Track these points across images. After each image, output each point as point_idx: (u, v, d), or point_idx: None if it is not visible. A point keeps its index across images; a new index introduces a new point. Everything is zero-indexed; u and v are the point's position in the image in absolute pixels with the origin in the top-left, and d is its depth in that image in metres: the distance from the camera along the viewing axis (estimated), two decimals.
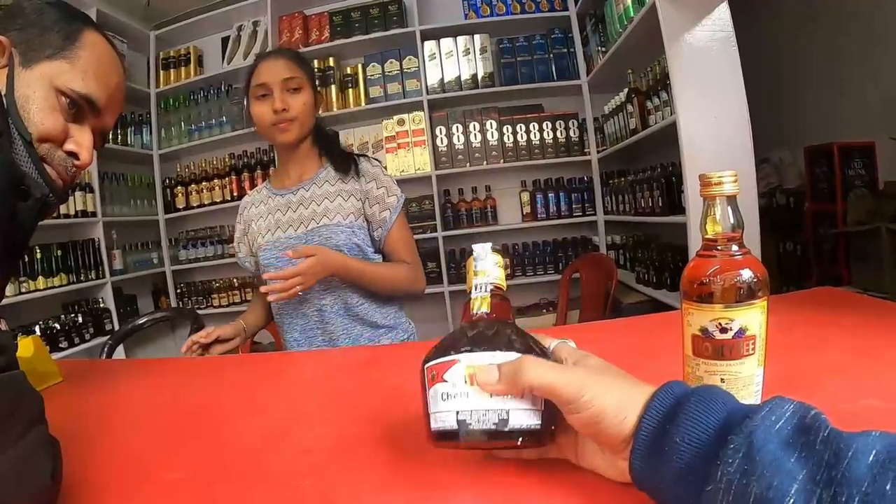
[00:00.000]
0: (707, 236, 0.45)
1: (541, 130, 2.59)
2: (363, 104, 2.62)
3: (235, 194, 2.79)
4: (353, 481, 0.42)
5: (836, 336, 0.69)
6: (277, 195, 1.27)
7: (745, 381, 0.43)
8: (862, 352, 0.62)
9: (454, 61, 2.62)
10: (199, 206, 2.88)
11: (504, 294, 0.44)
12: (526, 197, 2.63)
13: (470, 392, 0.37)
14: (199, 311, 2.60)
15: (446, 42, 2.61)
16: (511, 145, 2.60)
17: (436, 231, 2.55)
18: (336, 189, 1.24)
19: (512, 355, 0.37)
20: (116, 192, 2.72)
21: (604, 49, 2.35)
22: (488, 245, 0.45)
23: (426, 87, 2.61)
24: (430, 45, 2.61)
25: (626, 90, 2.18)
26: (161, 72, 2.92)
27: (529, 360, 0.35)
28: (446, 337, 0.41)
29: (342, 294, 1.23)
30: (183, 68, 2.92)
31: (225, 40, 2.92)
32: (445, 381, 0.39)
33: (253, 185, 2.70)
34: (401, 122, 2.61)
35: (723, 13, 1.71)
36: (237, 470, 0.47)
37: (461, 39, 2.61)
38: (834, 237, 2.58)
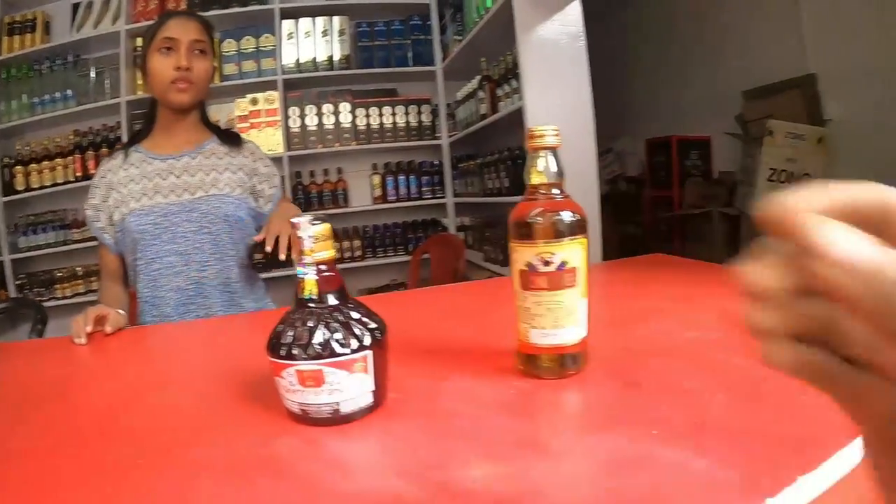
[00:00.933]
0: (531, 183, 0.59)
1: (394, 114, 3.12)
2: (217, 81, 3.02)
3: (79, 175, 3.06)
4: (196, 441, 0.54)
5: (662, 288, 1.03)
6: (156, 159, 1.39)
7: (568, 309, 0.58)
8: (682, 298, 0.92)
9: (311, 42, 3.10)
10: (40, 188, 3.12)
11: (330, 266, 0.55)
12: (377, 180, 3.16)
13: (304, 391, 0.52)
14: (43, 303, 2.84)
15: (305, 22, 3.08)
16: (364, 128, 3.11)
17: None
18: (225, 162, 1.43)
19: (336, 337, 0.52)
20: None
21: (460, 38, 2.87)
22: (307, 217, 0.54)
23: (282, 66, 3.06)
24: (288, 24, 3.08)
25: (478, 77, 2.69)
26: (4, 38, 3.18)
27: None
28: (281, 323, 0.55)
29: (226, 268, 1.40)
30: (28, 35, 3.17)
31: (76, 7, 3.19)
32: (283, 378, 0.53)
33: (98, 165, 2.97)
34: (254, 102, 3.06)
35: (574, 9, 2.13)
36: (88, 433, 0.59)
37: (320, 20, 3.09)
38: (670, 220, 3.18)
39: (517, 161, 2.40)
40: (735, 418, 0.51)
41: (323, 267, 0.56)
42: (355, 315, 0.56)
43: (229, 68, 3.09)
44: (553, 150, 0.61)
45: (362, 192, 3.24)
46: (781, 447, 0.45)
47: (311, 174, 3.16)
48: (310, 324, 0.54)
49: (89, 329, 1.06)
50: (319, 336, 0.53)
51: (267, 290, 1.50)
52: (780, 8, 2.92)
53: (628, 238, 3.66)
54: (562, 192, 0.61)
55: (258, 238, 1.23)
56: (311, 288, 0.56)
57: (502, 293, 0.71)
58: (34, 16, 3.17)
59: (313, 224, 0.55)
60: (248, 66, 3.09)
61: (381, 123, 3.12)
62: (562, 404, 0.60)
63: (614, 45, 4.06)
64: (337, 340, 0.53)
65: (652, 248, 3.24)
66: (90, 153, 3.11)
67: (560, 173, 0.61)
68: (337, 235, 3.16)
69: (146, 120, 1.50)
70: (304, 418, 0.55)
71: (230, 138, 1.49)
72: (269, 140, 3.03)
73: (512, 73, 2.28)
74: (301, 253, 0.55)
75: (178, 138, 1.43)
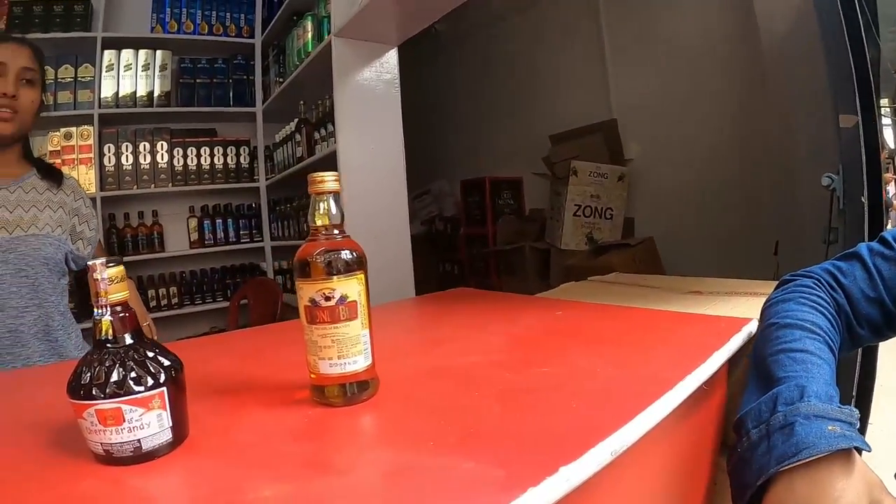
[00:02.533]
0: (314, 225, 0.87)
1: (212, 155, 4.26)
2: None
3: None
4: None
5: (459, 318, 1.52)
6: None
7: (352, 340, 0.85)
8: (475, 326, 1.37)
9: (132, 75, 4.11)
10: None
11: (125, 307, 0.74)
12: (194, 223, 4.29)
13: (105, 430, 0.69)
14: None
15: (127, 53, 4.09)
16: (181, 169, 4.19)
17: None
18: (45, 198, 1.73)
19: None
20: None
21: (281, 80, 3.96)
22: (101, 260, 0.72)
23: (99, 100, 3.95)
24: (109, 55, 4.02)
25: (296, 120, 3.68)
26: None
27: None
28: (80, 365, 0.72)
29: (46, 314, 1.69)
30: None
31: None
32: (85, 419, 0.70)
33: None
34: (68, 136, 3.95)
35: (391, 57, 2.85)
36: None
37: (143, 53, 4.13)
38: (486, 255, 4.43)
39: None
40: (502, 425, 0.76)
41: (118, 308, 0.73)
42: (150, 353, 0.74)
43: (45, 98, 3.77)
44: (333, 194, 0.87)
45: (179, 236, 4.26)
46: (544, 445, 0.68)
47: (126, 217, 4.12)
48: (107, 363, 0.70)
49: None
50: (116, 375, 0.69)
51: (81, 335, 1.85)
52: (586, 59, 4.37)
53: (446, 274, 4.91)
54: (341, 232, 0.88)
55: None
56: (107, 329, 0.72)
57: (299, 332, 0.91)
58: None
59: (108, 266, 0.72)
60: (64, 96, 3.90)
61: (199, 164, 4.22)
62: (349, 427, 0.81)
63: (435, 90, 5.62)
64: (132, 378, 0.70)
65: (470, 283, 4.41)
66: None
67: (339, 215, 0.88)
68: (153, 282, 4.16)
69: None
70: (109, 459, 0.71)
71: (51, 174, 1.80)
72: (82, 179, 3.82)
73: (329, 116, 3.02)
74: (97, 295, 0.72)
75: None
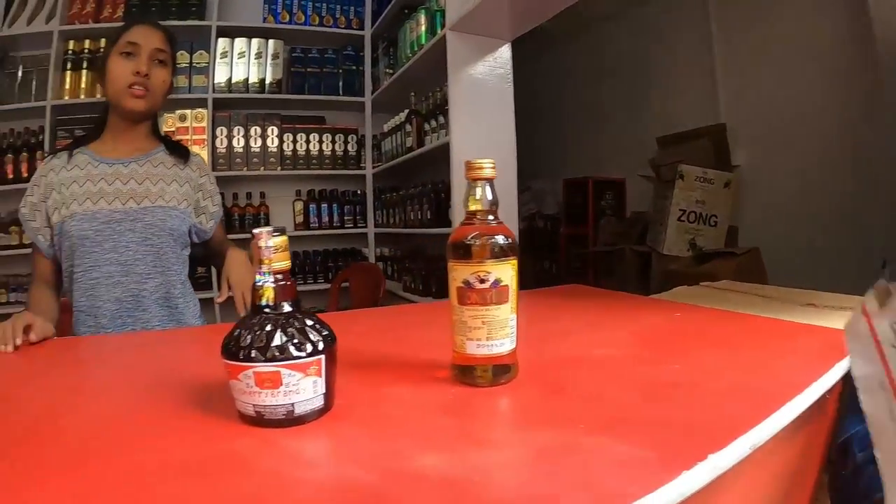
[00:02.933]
0: (469, 210, 0.90)
1: (321, 142, 4.41)
2: None
3: None
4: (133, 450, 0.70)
5: (576, 313, 1.57)
6: (103, 163, 1.78)
7: (501, 323, 0.87)
8: (594, 322, 1.43)
9: (245, 62, 4.30)
10: None
11: (286, 276, 0.78)
12: (300, 206, 4.44)
13: (261, 392, 0.73)
14: None
15: (240, 42, 4.29)
16: (290, 154, 4.36)
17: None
18: (172, 173, 1.84)
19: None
20: None
21: (391, 71, 4.06)
22: (268, 229, 0.76)
23: (213, 84, 4.24)
24: (223, 43, 4.26)
25: (406, 111, 3.75)
26: None
27: None
28: (238, 328, 0.76)
29: (168, 282, 1.81)
30: None
31: (9, 2, 3.98)
32: (240, 381, 0.74)
33: (17, 170, 3.92)
34: (182, 118, 4.21)
35: (504, 52, 2.94)
36: (22, 437, 0.76)
37: (255, 42, 4.32)
38: (584, 256, 4.43)
39: (441, 195, 3.33)
40: (648, 414, 0.77)
41: (280, 276, 0.77)
42: (309, 322, 0.77)
43: None
44: (489, 180, 0.90)
45: (284, 217, 4.45)
46: (690, 433, 0.70)
47: (235, 196, 4.31)
48: (268, 328, 0.73)
49: (19, 341, 1.30)
50: (277, 339, 0.72)
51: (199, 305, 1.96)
52: (695, 62, 4.31)
53: (543, 273, 4.88)
54: (496, 217, 0.90)
55: (219, 299, 1.67)
56: (268, 295, 0.76)
57: (430, 315, 0.99)
58: None
59: (273, 235, 0.76)
60: (180, 81, 4.17)
61: (308, 150, 4.38)
62: (496, 407, 0.84)
63: (540, 88, 5.68)
64: (294, 344, 0.73)
65: (567, 283, 4.40)
66: (9, 157, 3.91)
67: (494, 201, 0.90)
68: None
69: (97, 123, 1.88)
70: (259, 420, 0.74)
71: (178, 150, 1.92)
72: (203, 158, 3.95)
73: (440, 108, 3.12)
74: (260, 262, 0.76)
75: (128, 145, 1.83)
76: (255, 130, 4.23)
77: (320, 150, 4.36)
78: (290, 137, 4.29)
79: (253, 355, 0.72)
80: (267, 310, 0.77)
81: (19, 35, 3.96)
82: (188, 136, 4.08)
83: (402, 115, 3.79)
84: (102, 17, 4.04)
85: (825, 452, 1.16)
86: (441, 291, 3.22)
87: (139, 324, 1.75)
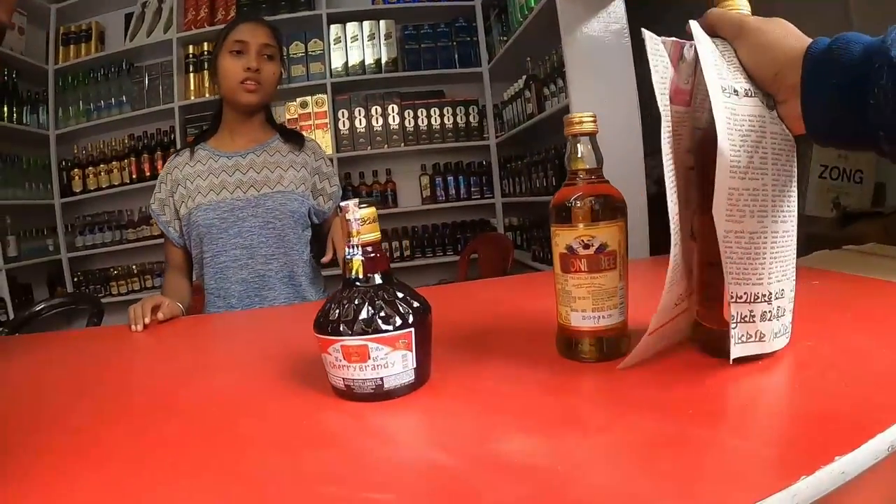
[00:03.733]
0: (571, 168, 0.82)
1: (441, 116, 4.42)
2: None
3: (135, 177, 4.34)
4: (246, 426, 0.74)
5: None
6: (222, 156, 1.92)
7: (608, 292, 0.79)
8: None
9: (359, 45, 4.38)
10: (96, 190, 4.37)
11: (376, 248, 0.78)
12: (426, 180, 4.48)
13: (349, 366, 0.73)
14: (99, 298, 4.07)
15: (352, 26, 4.36)
16: (412, 130, 4.40)
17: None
18: (288, 159, 1.95)
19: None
20: (10, 175, 4.03)
21: (505, 38, 4.01)
22: (354, 201, 0.76)
23: (330, 70, 4.35)
24: (335, 29, 4.35)
25: (524, 77, 3.72)
26: (61, 48, 4.36)
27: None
28: (329, 302, 0.77)
29: (291, 262, 1.91)
30: (83, 44, 4.37)
31: (129, 17, 4.42)
32: (329, 354, 0.75)
33: (153, 168, 4.29)
34: (304, 105, 4.35)
35: (618, 7, 2.82)
36: (140, 410, 0.84)
37: (367, 24, 4.38)
38: None
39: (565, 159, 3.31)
40: (771, 401, 0.70)
41: (369, 248, 0.76)
42: (400, 294, 0.76)
43: None
44: (591, 135, 0.81)
45: (411, 192, 4.56)
46: (817, 428, 0.59)
47: (361, 175, 4.47)
48: (356, 302, 0.73)
49: (147, 320, 1.45)
50: (364, 313, 0.72)
51: (324, 283, 2.07)
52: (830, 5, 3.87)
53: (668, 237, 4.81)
54: (600, 177, 0.82)
55: (324, 260, 1.76)
56: (357, 268, 0.76)
57: (543, 285, 0.91)
58: (89, 26, 4.40)
59: (360, 207, 0.75)
60: (297, 70, 4.34)
61: (429, 125, 4.41)
62: (599, 385, 0.77)
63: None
64: (381, 317, 0.72)
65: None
66: (145, 156, 4.33)
67: (598, 159, 0.82)
68: (386, 235, 4.43)
69: (213, 119, 2.02)
70: (349, 394, 0.75)
71: (293, 137, 2.03)
72: (319, 142, 4.02)
73: (557, 72, 3.08)
74: (349, 235, 0.75)
75: (244, 137, 1.95)
76: (375, 110, 4.30)
77: (442, 123, 4.37)
78: (411, 114, 4.33)
79: (341, 329, 0.72)
80: (357, 283, 0.76)
81: (141, 47, 4.27)
82: (311, 122, 4.28)
83: (521, 82, 3.76)
84: (216, 20, 4.27)
85: None
86: None
87: (266, 302, 1.86)
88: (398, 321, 0.73)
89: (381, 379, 0.73)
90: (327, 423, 0.72)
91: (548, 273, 1.09)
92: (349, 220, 0.75)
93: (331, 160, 3.86)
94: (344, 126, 4.28)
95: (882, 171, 3.48)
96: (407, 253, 4.38)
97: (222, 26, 3.88)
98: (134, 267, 4.43)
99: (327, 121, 4.24)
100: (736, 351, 0.72)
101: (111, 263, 4.47)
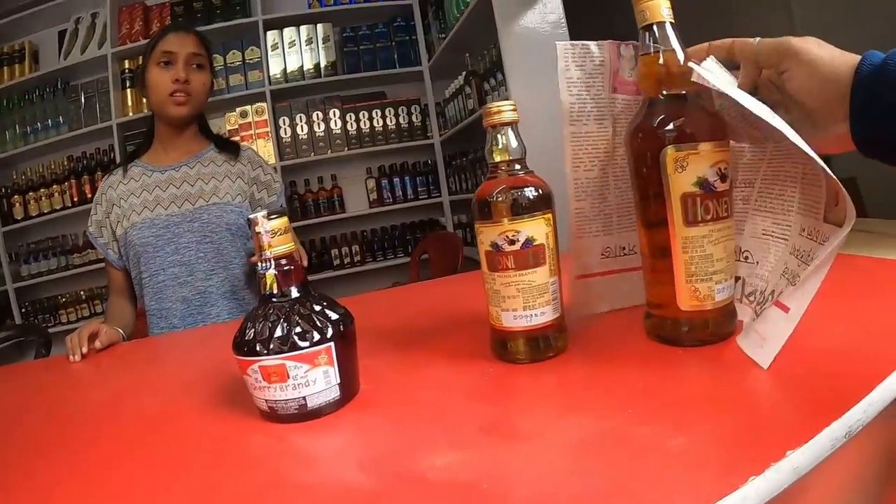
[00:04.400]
0: (493, 161, 0.80)
1: (384, 117, 4.36)
2: None
3: (76, 200, 4.21)
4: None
5: None
6: (155, 171, 1.89)
7: (539, 289, 0.77)
8: None
9: (297, 51, 4.32)
10: (38, 215, 4.25)
11: (290, 260, 0.75)
12: (372, 183, 4.42)
13: (270, 387, 0.71)
14: (49, 329, 3.96)
15: (289, 31, 4.30)
16: (355, 133, 4.34)
17: None
18: (224, 170, 1.92)
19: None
20: None
21: (443, 35, 3.97)
22: (263, 213, 0.73)
23: (269, 77, 4.27)
24: (272, 35, 4.28)
25: (464, 73, 3.68)
26: None
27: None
28: (246, 321, 0.75)
29: (232, 276, 1.87)
30: (17, 65, 4.22)
31: (62, 34, 4.29)
32: (249, 376, 0.73)
33: (94, 189, 4.12)
34: (244, 115, 4.28)
35: None
36: (71, 438, 0.83)
37: (304, 29, 4.31)
38: None
39: None
40: (718, 392, 0.65)
41: (283, 262, 0.74)
42: (317, 308, 0.74)
43: (216, 83, 4.10)
44: (512, 124, 0.80)
45: (358, 196, 4.48)
46: (774, 418, 0.57)
47: (306, 182, 4.41)
48: (272, 319, 0.71)
49: (84, 350, 1.40)
50: (280, 330, 0.70)
51: None
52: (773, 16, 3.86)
53: None
54: (524, 167, 0.80)
55: (254, 259, 1.59)
56: (271, 283, 0.74)
57: (478, 283, 0.86)
58: (22, 46, 4.26)
59: (270, 219, 0.72)
60: (236, 79, 4.27)
61: (372, 127, 4.35)
62: (533, 387, 0.75)
63: (601, 30, 5.19)
64: (297, 334, 0.70)
65: None
66: (85, 178, 4.22)
67: (521, 148, 0.80)
68: (336, 241, 4.40)
69: (146, 135, 2.00)
70: (274, 416, 0.73)
71: (228, 146, 2.00)
72: (261, 151, 4.11)
73: (497, 66, 3.04)
74: (260, 249, 0.73)
75: (178, 150, 1.93)
76: (316, 115, 4.23)
77: (384, 125, 4.31)
78: (353, 117, 4.26)
79: (257, 349, 0.70)
80: (273, 299, 0.74)
81: (76, 64, 4.15)
82: (251, 132, 4.18)
83: (461, 78, 3.73)
84: (151, 33, 4.10)
85: None
86: None
87: (209, 319, 1.83)
88: (316, 336, 0.71)
89: (304, 398, 0.71)
90: (250, 447, 0.70)
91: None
92: (259, 232, 0.73)
93: (274, 169, 3.85)
94: (286, 133, 4.21)
95: (856, 166, 3.44)
96: (358, 258, 4.34)
97: None
98: (82, 293, 4.35)
99: (268, 129, 4.18)
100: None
101: (59, 291, 4.37)
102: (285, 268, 0.74)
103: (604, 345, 0.83)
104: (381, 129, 4.31)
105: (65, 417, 0.95)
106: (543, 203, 0.77)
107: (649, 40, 0.75)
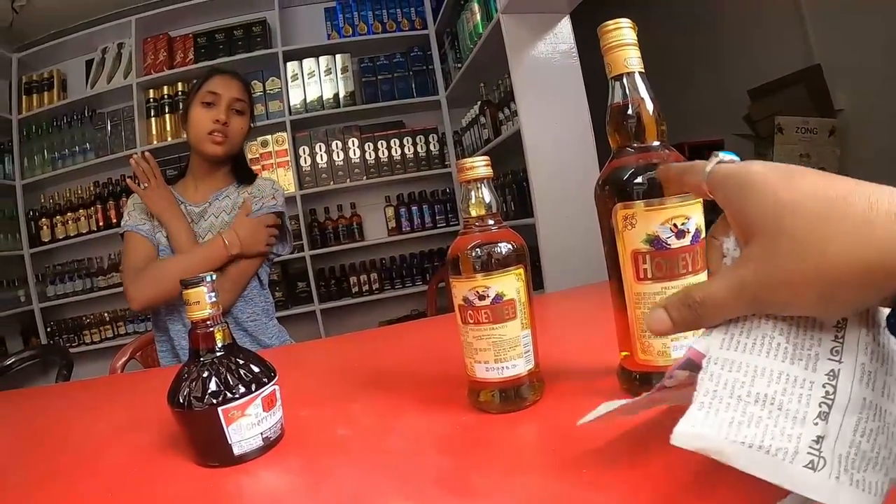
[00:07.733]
0: (468, 217, 0.82)
1: (402, 146, 4.46)
2: None
3: (101, 224, 4.38)
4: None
5: None
6: (184, 203, 1.98)
7: (510, 343, 0.79)
8: None
9: (316, 81, 4.44)
10: (65, 238, 4.42)
11: (203, 326, 0.79)
12: (391, 212, 4.50)
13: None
14: (72, 349, 4.15)
15: (308, 62, 4.43)
16: (373, 162, 4.45)
17: (303, 251, 4.33)
18: (233, 201, 2.00)
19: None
20: None
21: (459, 65, 4.08)
22: (189, 279, 0.78)
23: (289, 107, 4.40)
24: (292, 66, 4.42)
25: (479, 103, 3.76)
26: (24, 97, 4.47)
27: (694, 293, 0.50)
28: (177, 375, 0.80)
29: (236, 309, 1.93)
30: (46, 93, 4.47)
31: (89, 63, 4.53)
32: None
33: (119, 214, 4.22)
34: (264, 144, 4.39)
35: (564, 27, 2.90)
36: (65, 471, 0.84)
37: (323, 59, 4.44)
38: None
39: (522, 183, 3.28)
40: (690, 459, 0.51)
41: (199, 327, 0.79)
42: (241, 362, 0.80)
43: None
44: (486, 180, 0.81)
45: (377, 225, 4.60)
46: (743, 483, 0.47)
47: (326, 211, 4.49)
48: (204, 374, 0.77)
49: (157, 173, 1.72)
50: (212, 385, 0.76)
51: (280, 328, 2.12)
52: (779, 2, 3.92)
53: None
54: (497, 222, 0.82)
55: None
56: (195, 342, 0.79)
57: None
58: (51, 74, 4.52)
59: (188, 286, 0.78)
60: (257, 109, 4.30)
61: (391, 156, 4.45)
62: (499, 440, 0.74)
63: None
64: (223, 387, 0.75)
65: None
66: (111, 203, 4.40)
67: (494, 203, 0.82)
68: (354, 269, 4.48)
69: (182, 166, 2.13)
70: (203, 462, 0.78)
71: (246, 178, 2.08)
72: (281, 180, 4.32)
73: (511, 96, 3.05)
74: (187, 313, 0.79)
75: (207, 187, 2.03)
76: (336, 144, 4.35)
77: (402, 153, 4.42)
78: (371, 146, 4.38)
79: (181, 401, 0.76)
80: (200, 357, 0.79)
81: (102, 93, 4.36)
82: (272, 161, 4.32)
83: (476, 108, 3.81)
84: (176, 63, 4.41)
85: None
86: (537, 283, 3.02)
87: None
88: (241, 390, 0.76)
89: (231, 445, 0.76)
90: (177, 492, 0.72)
91: None
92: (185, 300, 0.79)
93: (293, 198, 4.05)
94: (305, 163, 4.34)
95: (845, 167, 3.51)
96: (376, 286, 4.42)
97: (182, 69, 4.12)
98: (106, 314, 4.48)
99: (288, 158, 4.30)
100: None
101: (83, 312, 4.51)
102: (200, 332, 0.79)
103: (577, 397, 0.82)
104: (399, 157, 4.42)
105: (61, 448, 0.97)
106: (515, 258, 0.79)
107: (618, 90, 0.79)
